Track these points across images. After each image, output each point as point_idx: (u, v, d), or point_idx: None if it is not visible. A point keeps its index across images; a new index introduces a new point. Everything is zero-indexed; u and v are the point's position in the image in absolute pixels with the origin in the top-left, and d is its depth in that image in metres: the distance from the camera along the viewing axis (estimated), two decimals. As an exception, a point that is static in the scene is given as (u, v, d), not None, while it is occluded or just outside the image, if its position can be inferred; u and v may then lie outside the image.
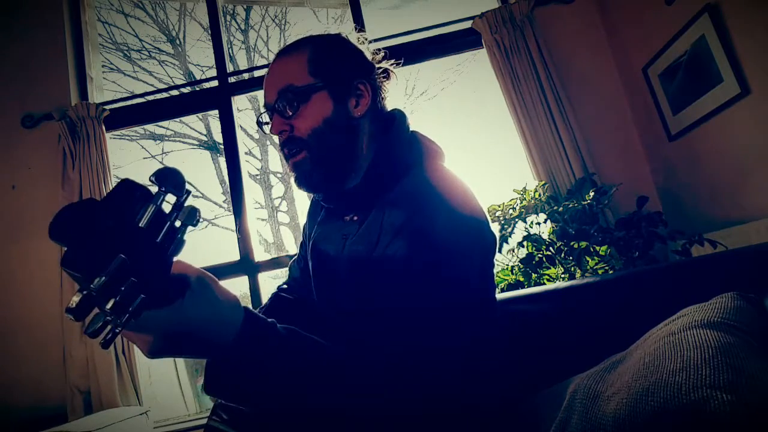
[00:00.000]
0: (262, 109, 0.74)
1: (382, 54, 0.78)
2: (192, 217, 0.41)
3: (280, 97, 0.69)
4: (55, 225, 0.36)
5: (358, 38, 0.76)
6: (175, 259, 0.42)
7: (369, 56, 0.76)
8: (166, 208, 0.41)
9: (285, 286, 0.91)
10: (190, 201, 0.43)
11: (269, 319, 0.51)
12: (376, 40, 2.32)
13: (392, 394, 0.52)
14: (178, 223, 0.41)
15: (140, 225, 0.38)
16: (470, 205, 0.64)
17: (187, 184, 0.42)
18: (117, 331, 0.36)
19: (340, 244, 0.71)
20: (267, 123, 0.73)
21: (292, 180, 0.73)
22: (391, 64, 0.78)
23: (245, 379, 0.48)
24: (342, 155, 0.69)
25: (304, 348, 0.52)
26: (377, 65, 0.76)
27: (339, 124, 0.69)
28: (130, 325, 0.37)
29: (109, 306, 0.35)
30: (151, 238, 0.39)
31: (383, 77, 0.76)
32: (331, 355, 0.53)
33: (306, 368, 0.51)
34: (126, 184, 0.39)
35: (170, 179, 0.41)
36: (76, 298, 0.34)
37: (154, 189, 0.41)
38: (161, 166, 0.41)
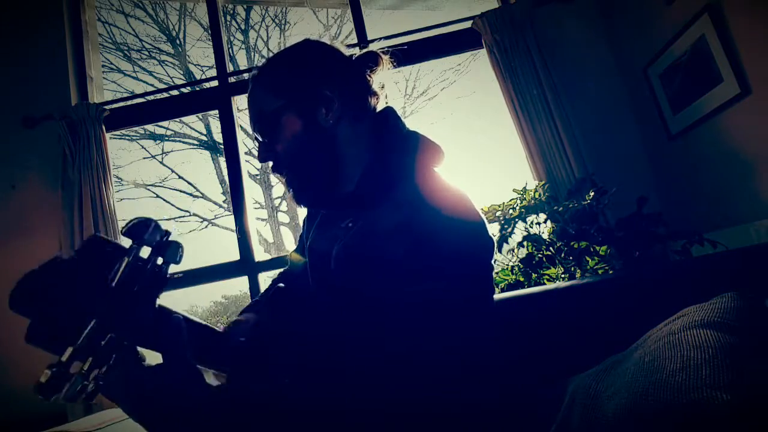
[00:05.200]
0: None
1: (356, 50, 0.74)
2: (174, 254, 0.40)
3: (257, 129, 0.71)
4: (16, 295, 0.33)
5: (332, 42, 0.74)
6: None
7: (345, 52, 0.73)
8: (145, 252, 0.39)
9: (281, 283, 0.91)
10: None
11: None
12: (376, 40, 2.31)
13: (386, 396, 0.52)
14: (160, 261, 0.40)
15: (113, 284, 0.36)
16: (467, 208, 0.63)
17: (163, 228, 0.40)
18: (101, 383, 0.34)
19: (332, 247, 0.70)
20: None
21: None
22: (380, 49, 0.75)
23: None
24: (322, 167, 0.69)
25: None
26: (358, 55, 0.73)
27: (310, 138, 0.68)
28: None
29: (86, 366, 0.33)
30: (124, 293, 0.37)
31: (369, 67, 0.74)
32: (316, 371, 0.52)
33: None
34: (95, 242, 0.37)
35: (142, 232, 0.38)
36: (47, 374, 0.31)
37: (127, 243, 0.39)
38: (133, 219, 0.39)
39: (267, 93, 0.69)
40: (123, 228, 0.39)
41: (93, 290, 0.35)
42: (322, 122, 0.69)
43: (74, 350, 0.32)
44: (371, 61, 0.74)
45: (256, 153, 0.76)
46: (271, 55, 0.74)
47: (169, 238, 0.41)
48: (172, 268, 0.42)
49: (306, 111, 0.68)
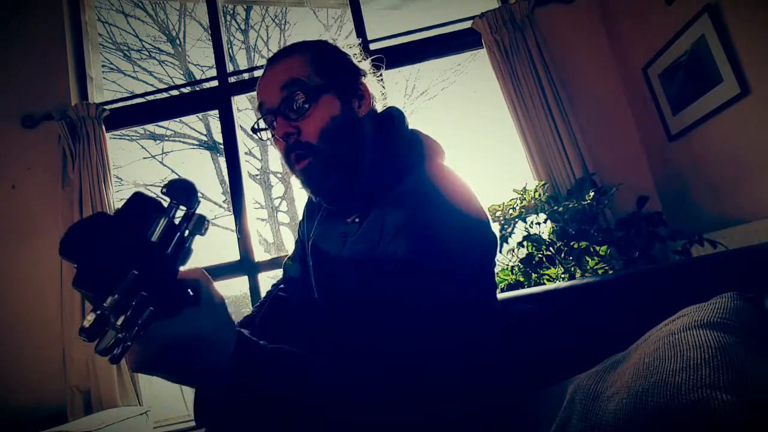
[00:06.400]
0: (258, 114, 0.71)
1: (362, 55, 0.78)
2: (200, 226, 0.42)
3: (285, 97, 0.66)
4: (66, 242, 0.35)
5: (342, 44, 0.77)
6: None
7: (356, 58, 0.76)
8: (177, 218, 0.41)
9: (281, 285, 0.91)
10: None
11: (260, 342, 0.50)
12: (376, 40, 2.32)
13: (390, 396, 0.52)
14: (186, 233, 0.41)
15: (152, 239, 0.38)
16: (472, 205, 0.64)
17: (198, 194, 0.42)
18: (127, 345, 0.35)
19: (340, 244, 0.70)
20: (263, 129, 0.72)
21: (300, 185, 0.72)
22: (373, 60, 0.79)
23: (239, 405, 0.47)
24: (350, 156, 0.69)
25: (297, 368, 0.51)
26: (361, 65, 0.77)
27: (346, 125, 0.69)
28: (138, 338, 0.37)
29: (119, 322, 0.34)
30: (161, 251, 0.39)
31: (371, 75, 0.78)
32: (323, 369, 0.52)
33: (300, 388, 0.50)
34: (138, 198, 0.39)
35: (182, 192, 0.41)
36: (90, 318, 0.33)
37: (165, 201, 0.41)
38: (173, 178, 0.41)
39: (306, 69, 0.68)
40: (163, 187, 0.41)
41: (134, 240, 0.37)
42: (356, 113, 0.71)
43: (115, 299, 0.34)
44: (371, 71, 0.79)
45: (259, 130, 0.73)
46: (291, 44, 0.75)
47: (197, 211, 0.42)
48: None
49: (345, 98, 0.70)
